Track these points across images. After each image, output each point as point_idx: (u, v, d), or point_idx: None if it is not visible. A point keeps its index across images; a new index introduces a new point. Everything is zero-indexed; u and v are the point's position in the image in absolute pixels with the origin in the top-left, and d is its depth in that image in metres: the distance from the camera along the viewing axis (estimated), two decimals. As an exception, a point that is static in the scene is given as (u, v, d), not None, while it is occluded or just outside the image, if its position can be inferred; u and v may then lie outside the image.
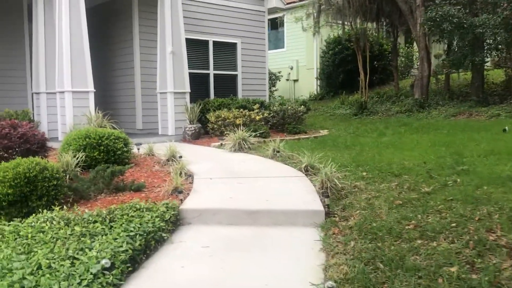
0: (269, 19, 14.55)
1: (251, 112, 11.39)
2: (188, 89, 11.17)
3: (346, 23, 17.27)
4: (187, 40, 11.68)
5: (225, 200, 4.97)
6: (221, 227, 4.49)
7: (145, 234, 3.84)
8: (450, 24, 13.37)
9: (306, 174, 6.28)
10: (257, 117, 11.26)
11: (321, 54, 21.01)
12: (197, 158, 7.85)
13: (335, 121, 14.89)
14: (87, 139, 6.77)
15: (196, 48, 12.51)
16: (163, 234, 4.08)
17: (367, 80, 16.28)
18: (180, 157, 7.20)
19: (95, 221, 4.12)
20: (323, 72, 20.95)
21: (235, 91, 13.40)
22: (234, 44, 13.40)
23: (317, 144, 9.45)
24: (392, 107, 16.11)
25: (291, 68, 22.14)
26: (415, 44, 23.80)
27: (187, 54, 11.46)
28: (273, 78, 20.36)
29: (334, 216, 4.52)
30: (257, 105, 11.83)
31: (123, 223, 4.00)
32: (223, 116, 10.90)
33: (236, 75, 13.46)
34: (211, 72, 12.85)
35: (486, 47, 14.02)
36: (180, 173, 6.12)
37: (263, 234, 4.30)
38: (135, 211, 4.36)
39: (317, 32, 17.22)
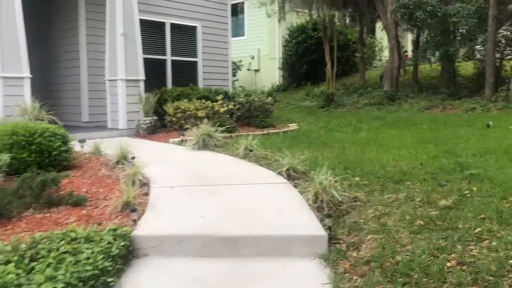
0: (230, 4, 13.28)
1: (215, 103, 10.18)
2: (142, 76, 9.81)
3: (312, 10, 16.30)
4: (141, 21, 10.29)
5: (193, 220, 3.79)
6: (189, 261, 3.32)
7: (81, 283, 2.63)
8: (423, 12, 12.65)
9: (288, 179, 5.21)
10: (222, 109, 10.07)
11: (284, 43, 19.99)
12: (154, 158, 6.60)
13: (302, 114, 13.91)
14: (14, 137, 5.38)
15: (151, 30, 11.12)
16: (108, 279, 2.87)
17: (334, 71, 15.38)
18: (133, 158, 5.94)
19: (8, 261, 2.85)
20: (286, 62, 19.95)
21: (195, 80, 12.11)
22: (194, 28, 12.09)
23: (290, 140, 8.40)
24: (360, 99, 15.32)
25: (252, 58, 20.97)
26: (377, 34, 23.31)
27: (142, 37, 10.07)
28: (234, 68, 19.14)
29: (339, 242, 3.45)
30: (220, 96, 10.63)
31: (50, 265, 2.76)
32: (183, 107, 9.65)
33: (196, 62, 12.17)
34: (169, 58, 11.50)
35: (458, 38, 13.41)
36: (133, 181, 4.88)
37: (248, 271, 3.17)
38: (69, 243, 3.11)
39: (282, 18, 16.15)
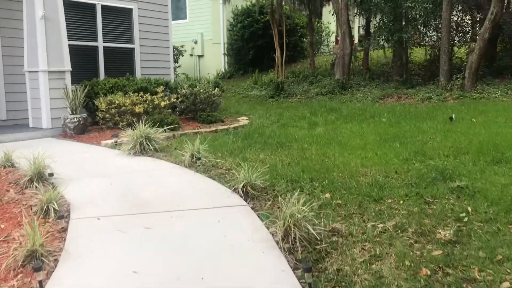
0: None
1: (154, 96, 9.03)
2: (68, 67, 8.46)
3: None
4: (67, 2, 8.92)
5: (123, 281, 2.76)
6: None
7: None
8: (378, -4, 11.99)
9: (246, 198, 4.27)
10: (163, 103, 8.95)
11: (229, 27, 18.86)
12: (80, 169, 5.45)
13: (251, 105, 12.97)
14: None
15: (79, 13, 9.71)
16: None
17: (284, 58, 14.49)
18: (51, 174, 4.77)
19: None
20: (232, 47, 18.86)
21: (132, 69, 10.83)
22: (129, 10, 10.75)
23: (242, 140, 7.44)
24: (311, 88, 14.57)
25: (195, 42, 19.70)
26: (324, 18, 22.67)
27: (67, 21, 8.72)
28: (176, 53, 17.83)
29: (325, 308, 2.56)
30: (161, 87, 9.48)
31: None
32: (117, 102, 8.43)
33: (132, 49, 10.86)
34: (100, 44, 10.13)
35: (413, 23, 12.90)
36: (47, 211, 3.77)
37: None
38: None
39: (227, 1, 15.01)
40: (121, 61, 10.64)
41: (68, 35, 8.70)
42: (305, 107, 11.63)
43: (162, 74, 11.14)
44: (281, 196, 4.38)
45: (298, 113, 10.63)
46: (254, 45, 18.08)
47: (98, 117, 8.56)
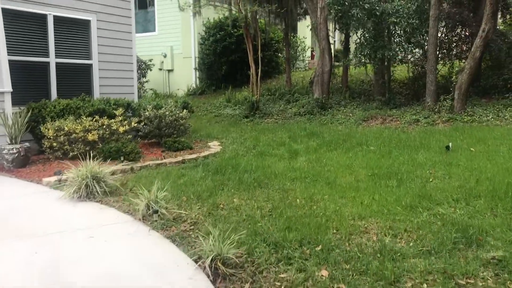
0: (136, -7, 10.88)
1: (112, 120, 7.84)
2: (8, 88, 7.18)
3: (232, 5, 14.23)
4: (10, 12, 7.69)
5: None
6: None
7: None
8: (360, 10, 11.11)
9: (214, 280, 3.15)
10: (121, 129, 7.76)
11: (200, 40, 17.77)
12: (2, 226, 4.22)
13: (224, 126, 11.84)
14: None
15: (26, 24, 8.42)
16: None
17: (259, 74, 13.44)
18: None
19: None
20: (203, 62, 17.73)
21: (89, 88, 9.55)
22: (87, 22, 9.51)
23: (213, 175, 6.32)
24: (288, 107, 13.56)
25: (165, 56, 18.53)
26: (299, 33, 21.85)
27: (11, 33, 7.54)
28: (143, 67, 16.63)
29: None
30: (120, 109, 8.27)
31: None
32: (67, 128, 7.20)
33: (90, 65, 9.60)
34: (52, 60, 8.84)
35: (397, 39, 12.10)
36: None
37: None
38: None
39: (197, 13, 13.91)
40: (77, 79, 9.36)
41: (11, 50, 7.50)
42: (283, 129, 10.59)
43: (124, 93, 9.92)
44: (262, 274, 3.31)
45: (276, 137, 9.59)
46: (227, 60, 17.05)
47: (45, 145, 7.30)
